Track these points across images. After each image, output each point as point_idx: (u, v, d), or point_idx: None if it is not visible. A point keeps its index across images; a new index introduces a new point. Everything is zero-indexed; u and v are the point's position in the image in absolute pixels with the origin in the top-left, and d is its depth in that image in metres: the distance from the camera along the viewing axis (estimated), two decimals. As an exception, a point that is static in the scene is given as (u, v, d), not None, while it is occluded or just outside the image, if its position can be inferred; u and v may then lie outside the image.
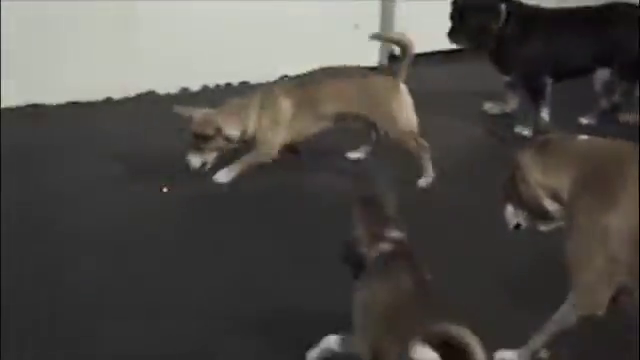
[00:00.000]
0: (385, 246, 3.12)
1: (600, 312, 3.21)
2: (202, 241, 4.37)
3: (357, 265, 3.14)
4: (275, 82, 5.17)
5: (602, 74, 5.77)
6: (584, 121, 5.82)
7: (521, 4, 5.74)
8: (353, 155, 5.33)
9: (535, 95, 5.72)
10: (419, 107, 4.94)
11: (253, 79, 6.47)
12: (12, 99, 5.87)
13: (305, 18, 6.49)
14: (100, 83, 6.06)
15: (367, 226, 3.16)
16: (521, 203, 3.46)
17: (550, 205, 3.35)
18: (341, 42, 6.62)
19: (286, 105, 4.97)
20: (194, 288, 3.98)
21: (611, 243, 3.10)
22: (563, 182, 3.26)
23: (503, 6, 5.64)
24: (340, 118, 5.06)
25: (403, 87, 4.97)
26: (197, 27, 6.19)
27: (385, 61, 7.00)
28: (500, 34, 5.64)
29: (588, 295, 3.23)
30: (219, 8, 6.22)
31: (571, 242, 3.22)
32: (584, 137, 3.35)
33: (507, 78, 5.85)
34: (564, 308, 3.30)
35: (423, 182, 4.99)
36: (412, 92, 4.95)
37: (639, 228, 3.03)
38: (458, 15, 5.71)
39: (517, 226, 3.55)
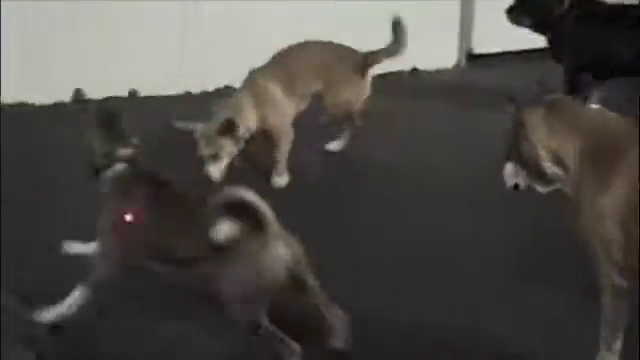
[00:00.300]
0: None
1: (621, 284, 3.15)
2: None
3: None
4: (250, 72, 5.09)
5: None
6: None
7: None
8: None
9: (572, 90, 5.65)
10: (496, 106, 4.90)
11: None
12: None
13: (382, 17, 6.51)
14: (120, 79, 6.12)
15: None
16: (521, 162, 3.42)
17: (549, 168, 3.32)
18: (420, 41, 6.62)
19: (276, 90, 4.97)
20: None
21: (607, 221, 3.08)
22: (568, 149, 3.24)
23: None
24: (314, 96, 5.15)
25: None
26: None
27: (463, 60, 6.98)
28: (559, 22, 5.61)
29: (603, 267, 3.17)
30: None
31: (580, 215, 3.19)
32: (596, 107, 3.32)
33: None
34: (602, 299, 3.24)
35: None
36: (492, 91, 4.90)
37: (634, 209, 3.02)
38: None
39: (515, 186, 3.50)
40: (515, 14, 5.77)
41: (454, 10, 6.89)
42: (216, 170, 4.74)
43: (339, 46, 5.23)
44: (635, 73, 5.72)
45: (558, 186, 3.38)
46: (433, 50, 6.73)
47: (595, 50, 5.64)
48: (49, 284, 3.70)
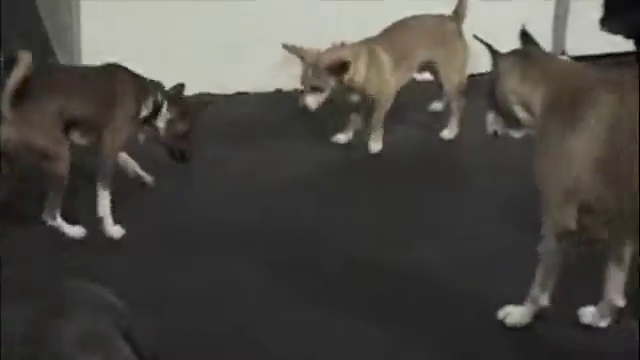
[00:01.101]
0: None
1: (571, 227, 3.44)
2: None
3: None
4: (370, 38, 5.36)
5: None
6: None
7: None
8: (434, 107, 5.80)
9: None
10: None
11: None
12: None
13: (476, 18, 6.47)
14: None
15: None
16: (497, 109, 3.66)
17: (520, 112, 3.57)
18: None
19: (386, 59, 5.27)
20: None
21: (575, 163, 3.34)
22: (535, 95, 3.49)
23: None
24: (421, 67, 5.50)
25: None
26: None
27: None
28: None
29: (556, 212, 3.46)
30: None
31: (539, 162, 3.49)
32: (564, 58, 3.46)
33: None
34: (542, 242, 3.55)
35: (447, 134, 5.48)
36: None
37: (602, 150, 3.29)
38: (617, 2, 5.56)
39: (495, 133, 3.77)
40: (609, 23, 5.65)
41: (549, 7, 6.81)
42: (314, 102, 5.08)
43: (439, 15, 5.56)
44: None
45: (530, 131, 3.61)
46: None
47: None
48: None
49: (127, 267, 4.12)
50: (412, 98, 5.66)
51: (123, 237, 4.38)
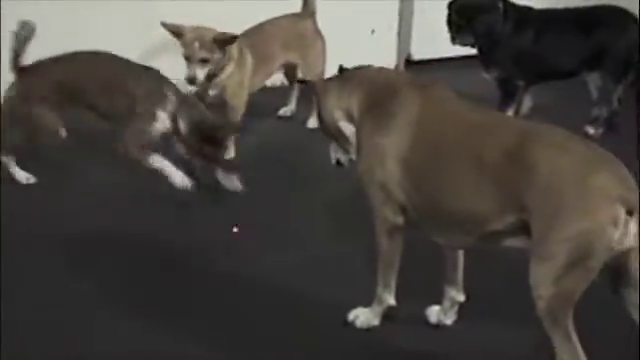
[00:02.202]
0: None
1: (399, 223, 3.59)
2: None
3: None
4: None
5: (595, 80, 5.82)
6: (590, 131, 5.82)
7: (513, 4, 5.79)
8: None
9: (505, 97, 5.78)
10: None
11: (270, 82, 6.51)
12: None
13: (322, 23, 6.53)
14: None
15: None
16: (327, 133, 3.82)
17: (347, 127, 3.71)
18: (358, 47, 6.67)
19: (249, 62, 5.42)
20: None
21: (387, 161, 3.51)
22: (352, 102, 3.66)
23: (501, 4, 5.70)
24: (280, 67, 5.74)
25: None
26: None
27: (402, 66, 7.03)
28: (491, 33, 5.70)
29: (381, 209, 3.60)
30: (233, 9, 6.26)
31: (360, 163, 3.66)
32: (375, 67, 3.79)
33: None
34: (377, 242, 3.68)
35: (311, 123, 5.63)
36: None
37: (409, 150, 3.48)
38: (461, 16, 5.75)
39: (338, 162, 3.91)
40: (461, 37, 5.83)
41: (392, 16, 6.93)
42: (202, 73, 5.16)
43: (295, 15, 5.78)
44: (567, 76, 5.84)
45: None
46: (372, 56, 6.76)
47: (528, 57, 5.74)
48: None
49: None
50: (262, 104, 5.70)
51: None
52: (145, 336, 3.76)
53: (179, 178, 4.64)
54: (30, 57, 4.82)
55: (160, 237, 4.51)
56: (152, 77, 4.74)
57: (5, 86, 5.76)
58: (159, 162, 4.67)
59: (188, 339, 3.75)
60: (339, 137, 3.80)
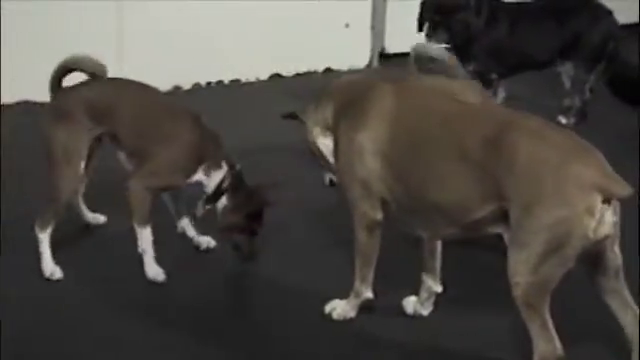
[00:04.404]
0: None
1: (377, 218, 3.61)
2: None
3: None
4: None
5: (567, 70, 5.85)
6: (563, 120, 5.85)
7: None
8: None
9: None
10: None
11: (244, 77, 6.51)
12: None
13: (297, 17, 6.53)
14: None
15: None
16: (312, 153, 3.84)
17: (324, 146, 3.76)
18: (332, 41, 6.67)
19: None
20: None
21: (367, 157, 3.53)
22: (328, 112, 3.71)
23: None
24: None
25: None
26: (188, 25, 6.22)
27: (376, 60, 7.03)
28: (466, 27, 5.72)
29: (361, 204, 3.62)
30: (209, 6, 6.25)
31: (338, 163, 3.68)
32: (348, 75, 3.93)
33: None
34: (356, 236, 3.69)
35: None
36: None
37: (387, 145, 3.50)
38: (437, 14, 5.76)
39: (331, 182, 3.96)
40: (437, 34, 5.83)
41: (366, 10, 6.93)
42: None
43: None
44: (540, 66, 5.87)
45: None
46: (346, 50, 6.78)
47: (502, 50, 5.76)
48: None
49: None
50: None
51: None
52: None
53: (153, 271, 4.08)
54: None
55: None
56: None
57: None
58: (147, 241, 4.10)
59: (176, 328, 3.77)
60: (320, 157, 3.81)
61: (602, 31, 5.78)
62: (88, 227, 4.48)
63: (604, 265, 3.28)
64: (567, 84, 5.93)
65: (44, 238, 4.08)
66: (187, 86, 6.40)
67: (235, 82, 6.53)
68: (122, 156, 4.15)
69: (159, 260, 4.09)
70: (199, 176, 4.07)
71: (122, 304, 3.93)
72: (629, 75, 5.83)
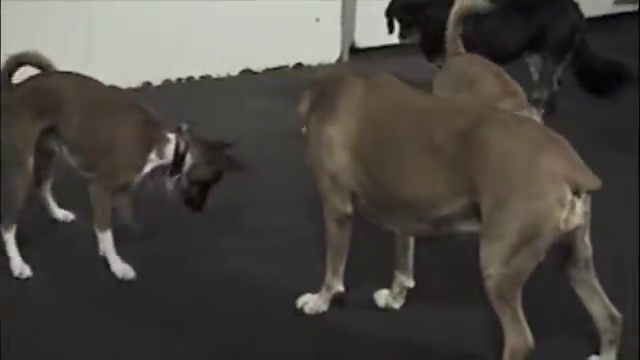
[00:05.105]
0: None
1: (347, 212, 3.63)
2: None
3: None
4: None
5: (535, 62, 5.88)
6: (532, 113, 5.89)
7: None
8: None
9: None
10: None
11: (215, 73, 6.50)
12: None
13: (267, 12, 6.52)
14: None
15: None
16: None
17: None
18: (303, 36, 6.67)
19: None
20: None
21: (336, 151, 3.55)
22: (304, 107, 3.73)
23: None
24: None
25: None
26: (158, 21, 6.20)
27: (346, 54, 7.04)
28: (435, 22, 5.74)
29: (331, 198, 3.63)
30: (179, 2, 6.24)
31: (309, 155, 3.68)
32: (329, 68, 3.84)
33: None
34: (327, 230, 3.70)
35: None
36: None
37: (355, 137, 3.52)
38: (407, 13, 5.78)
39: None
40: (407, 32, 5.85)
41: (336, 4, 6.94)
42: None
43: None
44: (508, 58, 5.89)
45: None
46: (316, 45, 6.78)
47: (470, 42, 5.76)
48: None
49: None
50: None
51: None
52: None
53: (121, 269, 4.06)
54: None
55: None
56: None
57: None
58: (108, 244, 4.08)
59: (146, 324, 3.76)
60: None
61: (569, 23, 5.81)
62: (55, 223, 4.46)
63: (574, 256, 3.31)
64: (535, 76, 5.96)
65: (9, 238, 4.07)
66: (157, 82, 6.39)
67: (206, 78, 6.52)
68: (65, 150, 4.11)
69: (125, 258, 4.10)
70: (154, 162, 4.06)
71: (90, 301, 3.92)
72: (596, 67, 5.87)
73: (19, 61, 4.13)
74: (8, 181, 4.05)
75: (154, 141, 4.04)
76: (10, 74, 4.13)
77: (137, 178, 4.08)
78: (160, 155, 4.05)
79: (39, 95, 4.05)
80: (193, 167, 4.06)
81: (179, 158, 4.05)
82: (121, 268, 4.06)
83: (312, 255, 4.06)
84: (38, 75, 4.17)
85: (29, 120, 4.02)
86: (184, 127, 4.08)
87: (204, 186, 4.12)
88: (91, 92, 4.14)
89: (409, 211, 3.46)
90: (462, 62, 4.81)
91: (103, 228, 4.05)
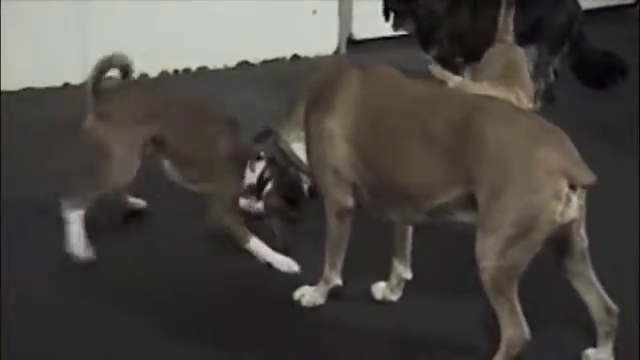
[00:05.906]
0: None
1: (348, 205, 3.62)
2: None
3: None
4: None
5: (532, 54, 5.87)
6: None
7: None
8: None
9: None
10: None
11: (212, 64, 6.50)
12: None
13: (264, 3, 6.52)
14: (57, 69, 6.05)
15: None
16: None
17: (299, 150, 3.80)
18: (300, 27, 6.66)
19: None
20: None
21: (336, 143, 3.55)
22: (299, 111, 3.74)
23: None
24: None
25: None
26: (154, 12, 6.20)
27: (344, 46, 7.03)
28: (428, 14, 5.74)
29: (331, 191, 3.63)
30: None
31: (309, 152, 3.70)
32: (315, 75, 3.82)
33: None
34: (327, 223, 3.70)
35: None
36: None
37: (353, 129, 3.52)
38: (401, 2, 5.78)
39: (310, 192, 3.97)
40: (401, 22, 5.85)
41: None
42: None
43: None
44: None
45: None
46: (313, 36, 6.78)
47: (465, 34, 5.77)
48: None
49: None
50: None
51: None
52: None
53: (285, 263, 4.03)
54: None
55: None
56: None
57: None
58: (261, 247, 4.06)
59: (143, 319, 3.77)
60: (299, 163, 3.84)
61: (566, 14, 5.80)
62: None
63: (570, 248, 3.31)
64: (531, 68, 5.95)
65: (74, 219, 4.04)
66: (154, 73, 6.37)
67: (202, 69, 6.52)
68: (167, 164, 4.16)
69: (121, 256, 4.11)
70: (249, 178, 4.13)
71: (89, 297, 3.94)
72: (592, 58, 5.87)
73: (110, 65, 4.16)
74: (100, 166, 4.05)
75: (248, 155, 4.12)
76: (99, 79, 4.10)
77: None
78: (252, 169, 4.11)
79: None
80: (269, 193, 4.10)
81: (262, 182, 4.09)
82: (285, 262, 4.02)
83: (310, 248, 4.05)
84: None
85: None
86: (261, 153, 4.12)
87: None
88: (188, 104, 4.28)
89: (406, 201, 3.47)
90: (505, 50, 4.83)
91: (246, 240, 4.04)
